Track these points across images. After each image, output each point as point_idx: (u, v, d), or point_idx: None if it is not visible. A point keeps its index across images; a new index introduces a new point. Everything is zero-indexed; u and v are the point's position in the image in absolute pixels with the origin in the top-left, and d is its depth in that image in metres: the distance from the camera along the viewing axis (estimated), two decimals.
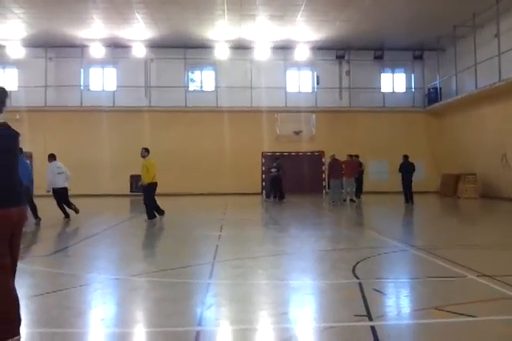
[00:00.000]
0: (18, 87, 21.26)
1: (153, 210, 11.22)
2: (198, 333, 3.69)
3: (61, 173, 11.48)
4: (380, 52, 22.47)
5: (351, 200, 16.48)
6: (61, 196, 11.49)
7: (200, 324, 3.93)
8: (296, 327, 3.88)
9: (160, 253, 7.33)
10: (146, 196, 11.34)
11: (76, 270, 6.10)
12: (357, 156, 17.62)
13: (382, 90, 23.05)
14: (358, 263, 5.95)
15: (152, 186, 11.27)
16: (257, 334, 3.79)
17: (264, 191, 20.12)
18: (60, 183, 11.41)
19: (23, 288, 5.26)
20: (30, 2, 16.45)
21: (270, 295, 4.79)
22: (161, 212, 11.42)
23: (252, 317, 4.12)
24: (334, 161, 16.18)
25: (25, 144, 20.14)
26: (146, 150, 11.50)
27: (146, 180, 11.14)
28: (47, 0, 16.13)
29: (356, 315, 3.93)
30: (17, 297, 3.22)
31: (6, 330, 3.11)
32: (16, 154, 3.34)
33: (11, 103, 21.04)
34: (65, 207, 11.57)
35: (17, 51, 20.90)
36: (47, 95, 21.16)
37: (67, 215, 11.49)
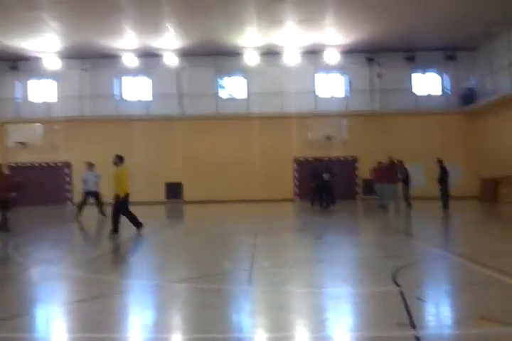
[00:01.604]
0: (57, 97, 21.95)
1: (117, 224, 9.81)
2: (238, 340, 3.70)
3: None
4: (411, 54, 22.14)
5: (382, 207, 15.97)
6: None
7: (239, 331, 3.94)
8: (336, 335, 3.83)
9: (198, 259, 7.38)
10: (114, 208, 9.93)
11: (116, 276, 6.24)
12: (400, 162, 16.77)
13: (415, 92, 22.68)
14: (398, 270, 5.84)
15: (124, 198, 9.82)
16: None
17: (296, 197, 19.94)
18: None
19: (66, 294, 5.43)
20: (65, 15, 17.01)
21: (309, 303, 4.76)
22: (140, 225, 10.09)
23: (291, 325, 4.10)
24: (392, 164, 15.58)
25: (62, 153, 20.98)
26: (120, 157, 10.08)
27: (119, 192, 9.72)
28: (81, 12, 16.64)
29: (399, 324, 3.85)
30: None
31: None
32: None
33: (50, 114, 21.87)
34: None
35: (54, 63, 21.60)
36: (83, 105, 21.77)
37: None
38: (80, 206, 13.94)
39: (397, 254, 7.41)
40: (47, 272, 6.60)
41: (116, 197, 9.79)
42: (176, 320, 4.40)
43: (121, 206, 9.91)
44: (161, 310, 4.64)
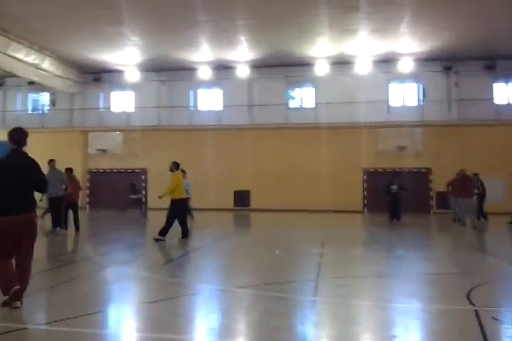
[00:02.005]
0: (135, 108, 23.16)
1: (167, 229, 9.91)
2: None
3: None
4: (492, 62, 20.97)
5: (459, 220, 15.19)
6: None
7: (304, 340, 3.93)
8: None
9: (264, 267, 7.42)
10: (170, 212, 10.10)
11: (186, 279, 6.44)
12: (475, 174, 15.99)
13: (496, 102, 21.44)
14: (472, 288, 5.53)
15: (178, 203, 10.09)
16: None
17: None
18: None
19: (137, 294, 5.69)
20: (145, 30, 17.96)
21: (377, 317, 4.63)
22: (186, 235, 10.16)
23: (357, 339, 4.02)
24: (465, 177, 14.87)
25: (139, 160, 22.07)
26: (176, 164, 10.42)
27: (168, 193, 10.06)
28: (159, 27, 17.48)
29: None
30: None
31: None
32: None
33: (129, 123, 23.12)
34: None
35: (133, 75, 22.85)
36: (160, 115, 22.80)
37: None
38: None
39: (471, 271, 7.02)
40: (121, 272, 6.95)
41: (172, 201, 10.15)
42: (241, 325, 4.47)
43: (181, 209, 10.24)
44: (227, 314, 4.73)
